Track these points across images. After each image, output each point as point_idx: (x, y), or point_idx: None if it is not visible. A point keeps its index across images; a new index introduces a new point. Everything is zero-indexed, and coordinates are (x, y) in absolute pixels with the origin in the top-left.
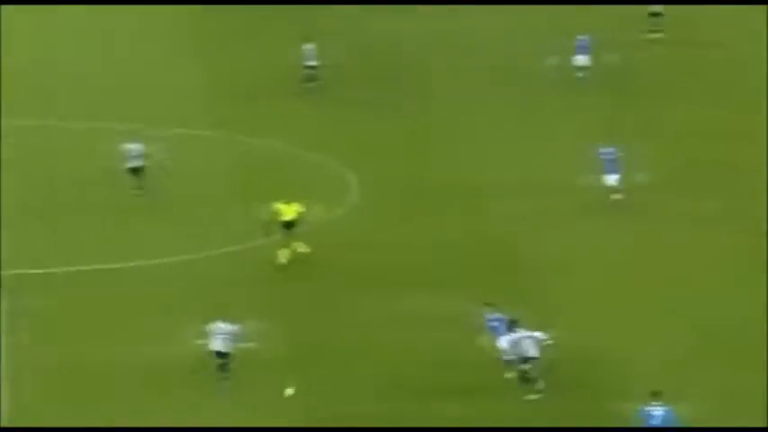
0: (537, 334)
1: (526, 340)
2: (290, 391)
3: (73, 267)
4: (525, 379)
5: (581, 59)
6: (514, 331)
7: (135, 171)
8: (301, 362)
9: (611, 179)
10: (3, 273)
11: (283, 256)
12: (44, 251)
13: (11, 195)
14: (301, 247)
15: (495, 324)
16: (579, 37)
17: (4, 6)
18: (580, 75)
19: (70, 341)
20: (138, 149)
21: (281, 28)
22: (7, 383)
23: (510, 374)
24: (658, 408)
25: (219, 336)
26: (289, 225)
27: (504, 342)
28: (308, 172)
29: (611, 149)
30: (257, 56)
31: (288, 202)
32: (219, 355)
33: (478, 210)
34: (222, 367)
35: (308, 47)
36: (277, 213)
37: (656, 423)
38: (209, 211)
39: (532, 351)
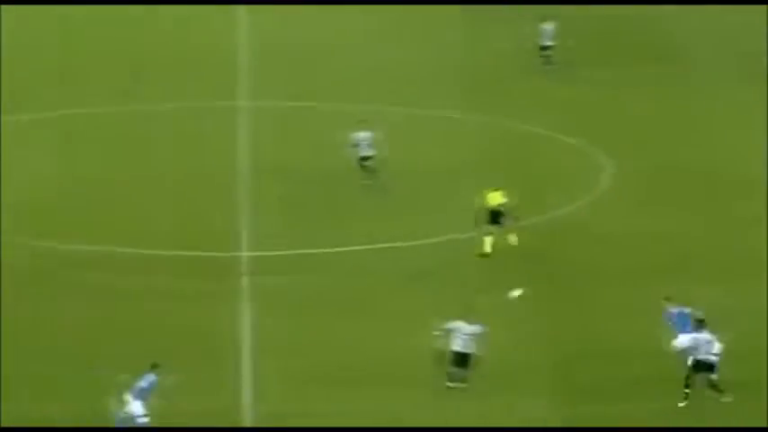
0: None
1: (707, 343)
2: (517, 292)
3: (307, 250)
4: (712, 385)
5: None
6: (699, 331)
7: (364, 160)
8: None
9: None
10: (245, 254)
11: (488, 244)
12: (281, 234)
13: (249, 179)
14: (512, 240)
15: (674, 319)
16: None
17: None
18: None
19: (308, 324)
20: (367, 138)
21: (519, 9)
22: (250, 362)
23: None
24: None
25: (460, 336)
26: (494, 214)
27: (683, 341)
28: (561, 156)
29: None
30: (497, 36)
31: (497, 189)
32: (458, 355)
33: (726, 205)
34: (459, 368)
35: (547, 26)
36: (484, 200)
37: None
38: (454, 194)
39: (712, 354)
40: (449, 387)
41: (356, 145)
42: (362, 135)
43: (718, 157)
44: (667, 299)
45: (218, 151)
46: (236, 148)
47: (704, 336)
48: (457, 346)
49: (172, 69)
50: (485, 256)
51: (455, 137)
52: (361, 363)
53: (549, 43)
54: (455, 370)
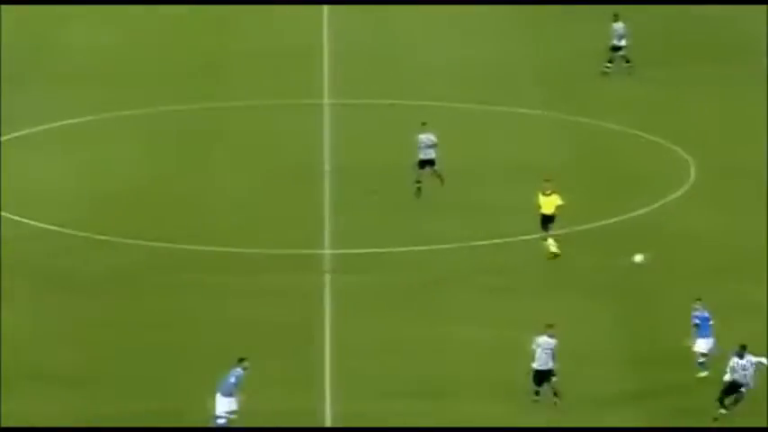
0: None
1: (744, 365)
2: (639, 258)
3: (388, 248)
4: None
5: None
6: (740, 356)
7: (424, 163)
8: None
9: None
10: (327, 252)
11: (553, 245)
12: (363, 232)
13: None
14: (552, 246)
15: (697, 322)
16: None
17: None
18: None
19: (389, 325)
20: (430, 140)
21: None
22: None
23: (701, 374)
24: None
25: (543, 350)
26: (546, 219)
27: (702, 345)
28: (644, 153)
29: None
30: (571, 36)
31: (549, 193)
32: (540, 372)
33: None
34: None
35: (618, 26)
36: (537, 205)
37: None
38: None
39: (745, 376)
40: (535, 401)
41: (419, 147)
42: (423, 137)
43: None
44: (698, 299)
45: (301, 149)
46: (319, 145)
47: (744, 361)
48: (540, 361)
49: (253, 67)
50: (555, 256)
51: (531, 135)
52: (439, 372)
53: (621, 43)
54: (537, 387)
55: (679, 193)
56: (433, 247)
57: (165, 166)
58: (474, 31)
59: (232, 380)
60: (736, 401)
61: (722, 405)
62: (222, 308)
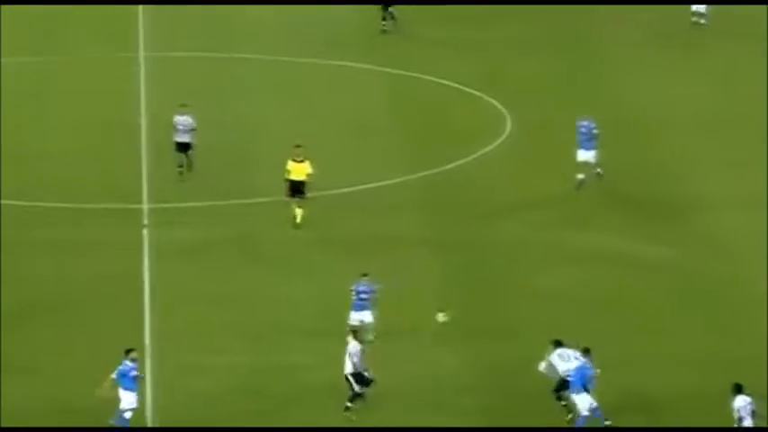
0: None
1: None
2: (442, 317)
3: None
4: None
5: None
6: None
7: (181, 146)
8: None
9: None
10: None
11: (299, 215)
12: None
13: None
14: (299, 216)
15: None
16: None
17: None
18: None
19: (210, 274)
20: (188, 123)
21: None
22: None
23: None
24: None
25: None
26: (296, 185)
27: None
28: (465, 107)
29: None
30: None
31: (301, 159)
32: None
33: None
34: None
35: None
36: (286, 171)
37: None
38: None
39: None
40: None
41: (175, 129)
42: (181, 119)
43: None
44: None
45: (121, 103)
46: (137, 99)
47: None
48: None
49: (75, 22)
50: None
51: (351, 87)
52: (259, 321)
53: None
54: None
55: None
56: (252, 200)
57: None
58: None
59: (133, 374)
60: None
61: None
62: (45, 263)
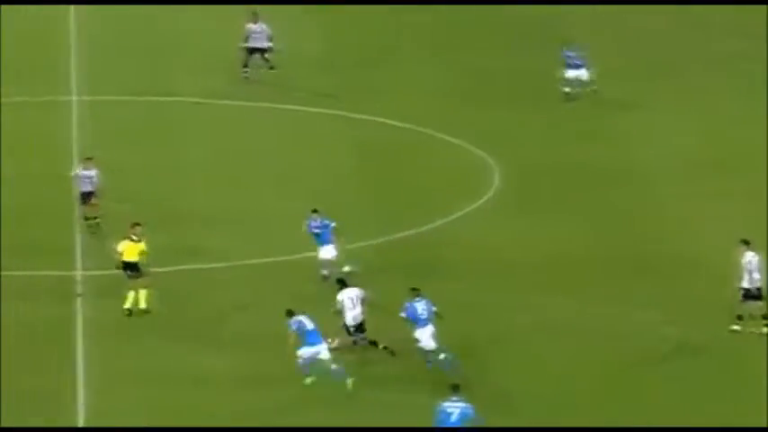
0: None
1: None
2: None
3: None
4: None
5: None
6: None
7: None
8: None
9: None
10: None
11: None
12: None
13: None
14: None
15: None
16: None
17: None
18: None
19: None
20: (90, 175)
21: None
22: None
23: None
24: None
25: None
26: (129, 267)
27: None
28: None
29: None
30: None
31: (137, 239)
32: None
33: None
34: None
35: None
36: (119, 252)
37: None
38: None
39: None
40: None
41: (81, 180)
42: (83, 173)
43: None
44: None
45: (50, 150)
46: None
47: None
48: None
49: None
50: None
51: (310, 134)
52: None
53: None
54: None
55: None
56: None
57: None
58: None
59: None
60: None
61: None
62: None
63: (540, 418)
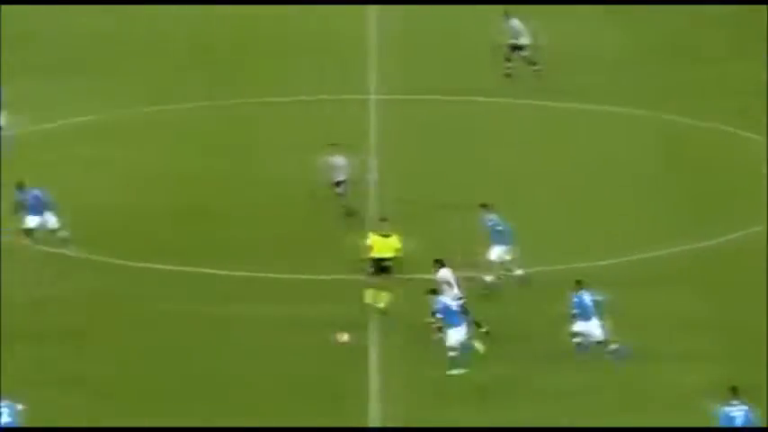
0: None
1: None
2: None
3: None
4: None
5: None
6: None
7: (338, 185)
8: None
9: None
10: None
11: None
12: None
13: None
14: (379, 298)
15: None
16: None
17: None
18: None
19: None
20: (342, 163)
21: None
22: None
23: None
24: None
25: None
26: (381, 264)
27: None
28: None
29: None
30: None
31: (386, 234)
32: None
33: None
34: None
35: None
36: (368, 247)
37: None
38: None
39: None
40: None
41: (330, 170)
42: (336, 160)
43: None
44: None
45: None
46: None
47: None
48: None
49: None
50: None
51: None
52: None
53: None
54: None
55: None
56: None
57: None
58: None
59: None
60: None
61: None
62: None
63: None
